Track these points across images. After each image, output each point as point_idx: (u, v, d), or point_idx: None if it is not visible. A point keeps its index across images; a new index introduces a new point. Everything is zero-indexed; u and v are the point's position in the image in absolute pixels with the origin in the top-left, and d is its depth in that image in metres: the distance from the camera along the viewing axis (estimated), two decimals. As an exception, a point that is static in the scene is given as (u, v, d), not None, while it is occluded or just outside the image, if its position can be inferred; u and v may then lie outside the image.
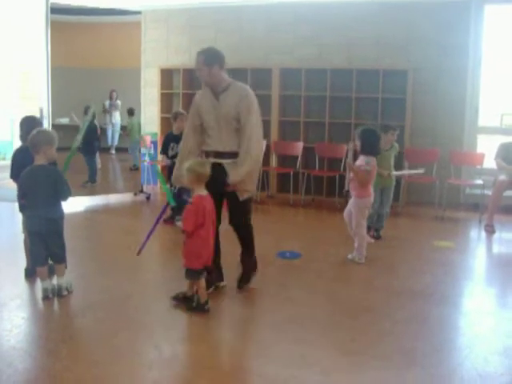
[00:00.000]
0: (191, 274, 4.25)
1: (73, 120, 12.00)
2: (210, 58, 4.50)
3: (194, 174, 4.19)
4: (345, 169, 8.30)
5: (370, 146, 5.56)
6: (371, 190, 5.65)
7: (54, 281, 4.60)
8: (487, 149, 8.14)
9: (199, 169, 4.21)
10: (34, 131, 4.47)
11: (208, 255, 4.27)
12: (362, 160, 5.56)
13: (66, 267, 4.65)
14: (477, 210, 7.58)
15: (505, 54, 8.40)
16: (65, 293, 4.55)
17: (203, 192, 4.24)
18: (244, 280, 4.82)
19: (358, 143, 5.61)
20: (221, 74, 4.53)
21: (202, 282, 4.28)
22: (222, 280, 4.84)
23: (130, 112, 12.19)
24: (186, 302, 4.35)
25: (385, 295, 4.79)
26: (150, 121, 9.97)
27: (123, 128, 13.40)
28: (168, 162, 7.09)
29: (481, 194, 7.75)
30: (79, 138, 7.23)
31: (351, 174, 5.64)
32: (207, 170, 4.24)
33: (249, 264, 4.87)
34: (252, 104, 4.52)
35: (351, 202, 5.69)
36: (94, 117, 9.41)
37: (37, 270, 4.58)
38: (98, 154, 10.64)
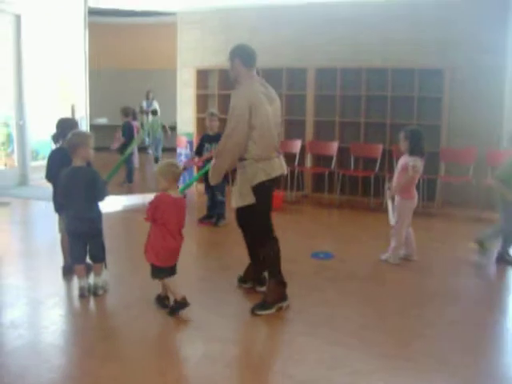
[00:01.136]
0: (153, 271, 4.25)
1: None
2: (233, 51, 4.34)
3: (172, 176, 4.15)
4: (381, 169, 8.28)
5: (420, 146, 5.55)
6: (415, 191, 5.63)
7: (91, 279, 4.70)
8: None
9: (175, 169, 4.20)
10: (70, 133, 4.57)
11: (165, 254, 4.22)
12: (408, 160, 5.51)
13: (105, 267, 4.74)
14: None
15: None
16: (100, 292, 4.64)
17: (175, 193, 4.23)
18: (259, 306, 4.33)
19: (404, 144, 5.59)
20: (241, 68, 4.30)
21: (170, 281, 4.24)
22: (262, 286, 4.65)
23: (154, 112, 13.69)
24: (160, 302, 4.39)
25: (418, 297, 4.76)
26: (186, 121, 10.06)
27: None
28: (200, 163, 7.15)
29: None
30: (129, 151, 7.38)
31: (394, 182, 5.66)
32: (180, 168, 4.30)
33: (270, 287, 4.42)
34: (232, 109, 4.23)
35: (397, 202, 5.66)
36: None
37: (75, 268, 4.67)
38: (135, 154, 10.82)
